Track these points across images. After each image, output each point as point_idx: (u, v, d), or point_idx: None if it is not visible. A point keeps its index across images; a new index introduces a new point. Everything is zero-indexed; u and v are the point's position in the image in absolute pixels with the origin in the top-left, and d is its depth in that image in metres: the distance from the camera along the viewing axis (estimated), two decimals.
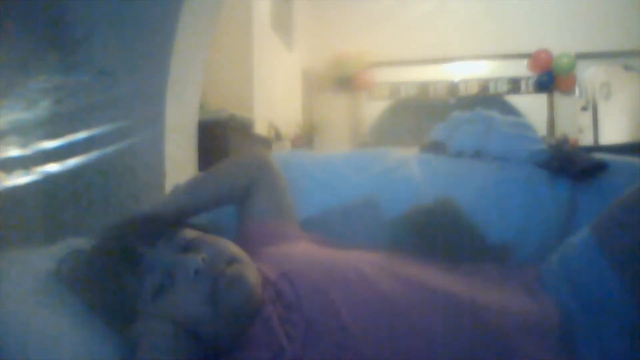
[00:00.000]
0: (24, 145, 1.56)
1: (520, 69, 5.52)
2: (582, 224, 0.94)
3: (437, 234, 0.89)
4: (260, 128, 3.58)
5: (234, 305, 0.70)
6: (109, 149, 1.74)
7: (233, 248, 0.77)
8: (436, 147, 1.15)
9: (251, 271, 0.75)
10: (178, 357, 0.68)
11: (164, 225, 0.78)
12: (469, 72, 5.73)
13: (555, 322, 0.70)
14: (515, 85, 5.65)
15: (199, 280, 0.70)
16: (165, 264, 0.71)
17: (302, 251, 0.84)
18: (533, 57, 5.39)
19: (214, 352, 0.72)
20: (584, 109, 5.94)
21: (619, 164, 1.00)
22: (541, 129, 5.24)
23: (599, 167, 0.99)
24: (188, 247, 0.74)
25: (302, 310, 0.71)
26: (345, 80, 5.55)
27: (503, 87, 5.69)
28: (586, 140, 5.76)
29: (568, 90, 5.49)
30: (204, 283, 0.70)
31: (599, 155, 1.05)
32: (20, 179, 1.53)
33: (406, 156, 1.10)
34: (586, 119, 6.00)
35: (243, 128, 2.92)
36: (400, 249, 0.83)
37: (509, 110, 5.30)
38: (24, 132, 1.58)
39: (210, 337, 0.70)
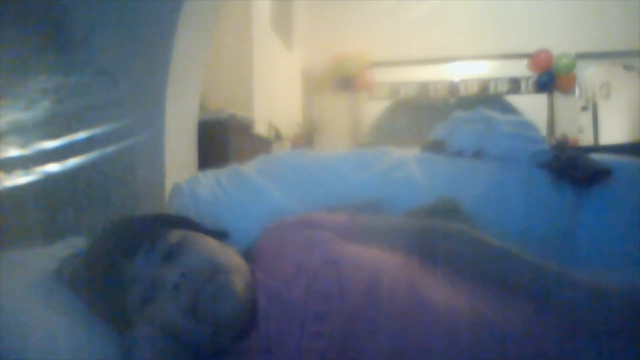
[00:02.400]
0: (24, 145, 1.55)
1: (520, 69, 5.53)
2: (584, 225, 0.94)
3: None
4: (260, 128, 3.58)
5: (218, 318, 0.70)
6: (109, 149, 1.73)
7: (217, 254, 0.75)
8: (436, 147, 1.15)
9: (237, 280, 0.72)
10: None
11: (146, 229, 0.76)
12: (469, 72, 5.74)
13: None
14: (515, 85, 5.66)
15: (180, 294, 0.69)
16: (146, 279, 0.70)
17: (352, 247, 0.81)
18: (533, 57, 5.39)
19: (209, 354, 0.72)
20: (584, 109, 5.94)
21: (621, 165, 1.00)
22: (541, 129, 5.24)
23: (602, 174, 0.98)
24: (169, 256, 0.72)
25: (343, 303, 0.69)
26: (345, 80, 5.55)
27: (503, 87, 5.69)
28: (586, 140, 5.77)
29: (568, 90, 5.49)
30: (184, 297, 0.69)
31: (600, 156, 1.05)
32: (20, 179, 1.53)
33: (407, 156, 1.10)
34: (586, 119, 6.00)
35: (243, 128, 2.92)
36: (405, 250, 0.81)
37: (509, 110, 5.30)
38: (24, 132, 1.57)
39: (200, 346, 0.70)
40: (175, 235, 0.75)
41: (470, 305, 0.68)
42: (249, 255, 0.84)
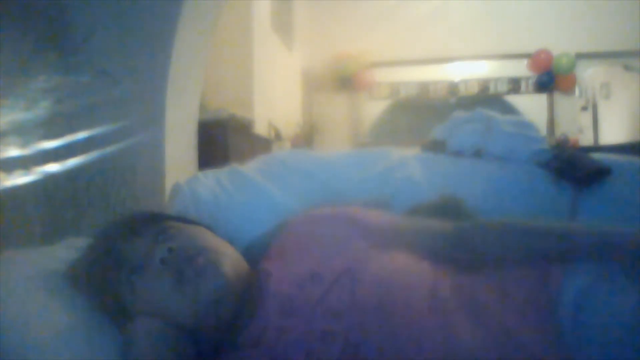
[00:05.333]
0: (24, 145, 1.56)
1: (520, 69, 5.53)
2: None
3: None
4: (260, 128, 3.58)
5: (204, 294, 0.69)
6: (109, 149, 1.74)
7: (208, 237, 0.77)
8: (436, 147, 1.15)
9: (226, 260, 0.73)
10: (170, 355, 0.68)
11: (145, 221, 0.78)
12: (469, 72, 5.74)
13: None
14: (515, 85, 5.66)
15: (166, 269, 0.70)
16: (138, 256, 0.72)
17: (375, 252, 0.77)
18: (533, 57, 5.39)
19: (210, 351, 0.72)
20: (584, 109, 5.94)
21: (621, 165, 1.00)
22: (541, 129, 5.24)
23: (602, 173, 0.98)
24: (161, 238, 0.74)
25: (351, 321, 0.66)
26: (345, 80, 5.55)
27: (503, 87, 5.69)
28: (586, 140, 5.77)
29: (568, 90, 5.49)
30: (171, 272, 0.70)
31: (600, 155, 1.05)
32: (20, 179, 1.53)
33: (407, 155, 1.10)
34: (586, 119, 6.00)
35: (243, 128, 2.92)
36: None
37: (509, 110, 5.31)
38: (24, 132, 1.57)
39: (189, 323, 0.70)
40: (170, 223, 0.78)
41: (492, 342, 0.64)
42: (268, 247, 0.83)
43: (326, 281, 0.71)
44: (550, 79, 5.39)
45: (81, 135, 1.69)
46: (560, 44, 5.27)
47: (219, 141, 2.51)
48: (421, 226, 0.82)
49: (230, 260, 0.75)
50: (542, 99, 5.56)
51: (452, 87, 5.76)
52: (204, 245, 0.74)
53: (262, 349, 0.69)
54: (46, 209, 1.69)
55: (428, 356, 0.62)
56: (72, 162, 1.67)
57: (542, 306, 0.67)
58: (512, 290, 0.69)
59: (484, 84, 5.71)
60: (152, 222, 0.78)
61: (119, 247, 0.74)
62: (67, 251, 0.85)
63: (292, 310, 0.70)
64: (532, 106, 5.45)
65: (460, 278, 0.72)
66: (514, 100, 5.63)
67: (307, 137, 5.02)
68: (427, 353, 0.63)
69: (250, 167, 1.10)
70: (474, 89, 5.73)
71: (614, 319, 0.63)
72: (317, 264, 0.74)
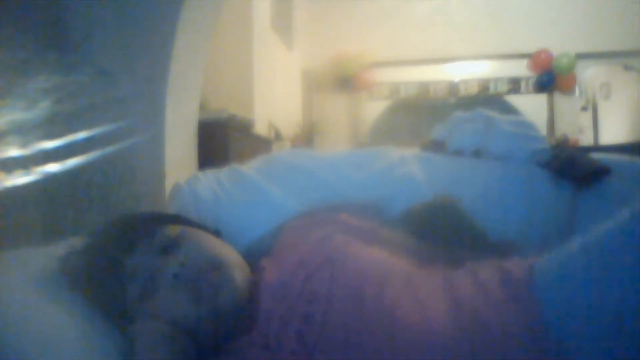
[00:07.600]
0: (24, 145, 1.55)
1: (520, 69, 5.52)
2: (583, 224, 0.94)
3: (437, 231, 0.89)
4: (260, 128, 3.58)
5: (221, 309, 0.71)
6: (109, 149, 1.74)
7: (217, 248, 0.77)
8: (436, 147, 1.15)
9: (238, 273, 0.75)
10: (174, 357, 0.68)
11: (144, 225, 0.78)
12: (469, 72, 5.73)
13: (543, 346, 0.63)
14: (515, 85, 5.65)
15: (179, 283, 0.71)
16: (146, 271, 0.72)
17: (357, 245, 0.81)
18: (533, 57, 5.39)
19: (211, 350, 0.72)
20: (584, 109, 5.94)
21: (620, 165, 1.00)
22: (541, 129, 5.23)
23: (601, 173, 0.98)
24: (168, 249, 0.74)
25: (329, 304, 0.69)
26: (345, 80, 5.54)
27: (503, 87, 5.69)
28: (586, 140, 5.77)
29: (568, 90, 5.49)
30: (183, 286, 0.71)
31: (600, 155, 1.05)
32: (20, 179, 1.53)
33: (406, 155, 1.10)
34: (586, 119, 6.00)
35: (243, 128, 2.92)
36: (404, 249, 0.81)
37: (509, 110, 5.30)
38: (24, 132, 1.57)
39: (201, 336, 0.71)
40: (173, 229, 0.77)
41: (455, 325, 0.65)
42: (268, 251, 0.86)
43: (309, 268, 0.74)
44: (550, 79, 5.39)
45: (81, 135, 1.69)
46: (560, 44, 5.27)
47: (219, 141, 2.50)
48: (398, 235, 0.87)
49: (240, 271, 0.76)
50: (542, 99, 5.56)
51: (452, 87, 5.76)
52: (215, 258, 0.75)
53: (255, 336, 0.70)
54: (46, 209, 1.69)
55: (402, 340, 0.64)
56: (72, 162, 1.67)
57: (515, 297, 0.68)
58: (487, 282, 0.71)
59: (484, 84, 5.71)
60: (156, 228, 0.77)
61: (123, 255, 0.73)
62: (67, 251, 0.85)
63: (282, 296, 0.73)
64: (532, 106, 5.45)
65: (434, 268, 0.75)
66: (514, 100, 5.63)
67: (307, 137, 5.01)
68: (401, 337, 0.64)
69: (250, 167, 1.10)
70: (474, 89, 5.73)
71: (588, 308, 0.63)
72: (304, 254, 0.78)
